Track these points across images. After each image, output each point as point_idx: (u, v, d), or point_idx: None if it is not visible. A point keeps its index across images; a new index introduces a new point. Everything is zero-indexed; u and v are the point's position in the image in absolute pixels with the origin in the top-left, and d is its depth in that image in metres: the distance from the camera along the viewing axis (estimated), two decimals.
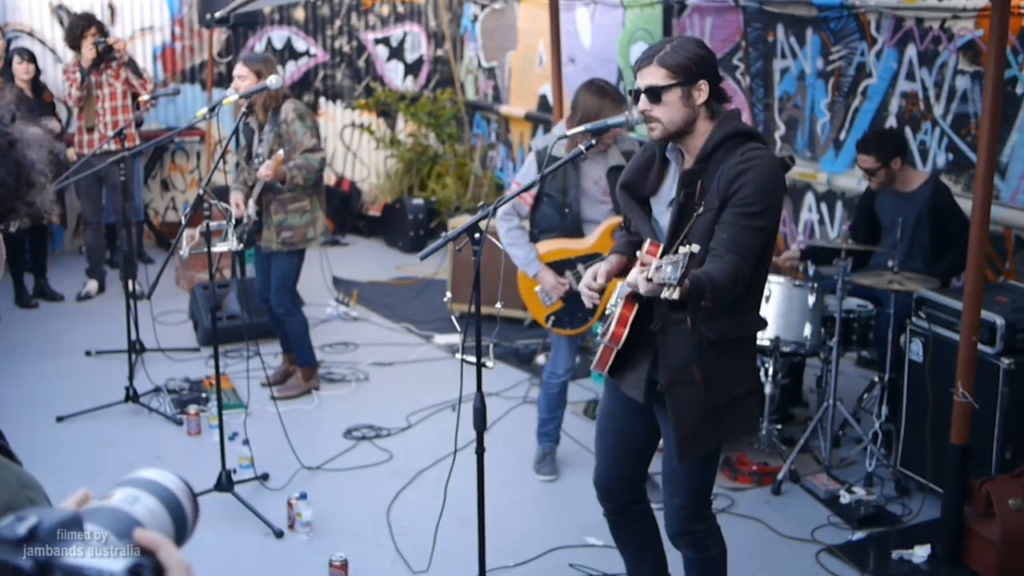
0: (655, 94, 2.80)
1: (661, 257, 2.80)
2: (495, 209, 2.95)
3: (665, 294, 2.45)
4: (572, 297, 4.39)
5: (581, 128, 3.07)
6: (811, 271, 4.86)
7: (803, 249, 5.37)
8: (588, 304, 3.03)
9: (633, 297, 2.90)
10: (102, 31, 6.88)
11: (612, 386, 3.15)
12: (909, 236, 4.89)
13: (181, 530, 1.10)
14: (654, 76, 2.80)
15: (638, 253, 2.91)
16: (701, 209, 2.79)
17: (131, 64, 7.02)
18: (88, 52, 6.75)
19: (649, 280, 2.48)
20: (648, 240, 2.90)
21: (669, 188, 2.97)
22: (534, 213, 4.44)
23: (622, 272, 3.08)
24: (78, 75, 6.79)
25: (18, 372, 5.97)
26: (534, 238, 4.46)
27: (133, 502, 1.06)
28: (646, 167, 3.00)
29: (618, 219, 4.14)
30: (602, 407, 3.25)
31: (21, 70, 7.05)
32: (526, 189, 3.38)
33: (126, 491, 1.08)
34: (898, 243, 4.67)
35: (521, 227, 4.43)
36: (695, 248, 2.44)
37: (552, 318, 4.50)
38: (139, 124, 8.11)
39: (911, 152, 5.74)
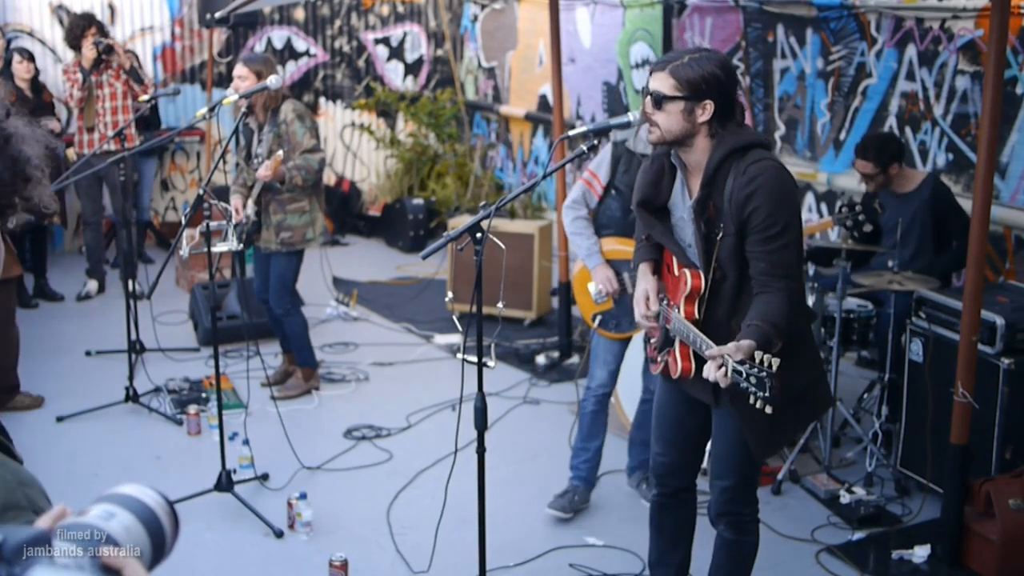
0: (658, 101, 2.82)
1: (706, 287, 2.89)
2: (497, 209, 2.95)
3: (757, 404, 2.52)
4: (624, 299, 4.20)
5: (582, 129, 3.06)
6: (811, 271, 4.86)
7: (807, 250, 5.32)
8: (648, 332, 3.14)
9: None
10: (102, 31, 6.87)
11: (666, 378, 3.19)
12: (911, 235, 4.89)
13: (159, 546, 1.09)
14: (663, 83, 2.82)
15: (675, 272, 3.00)
16: (721, 233, 2.82)
17: (132, 72, 6.95)
18: (89, 52, 6.74)
19: (726, 376, 2.56)
20: (687, 270, 2.93)
21: (681, 192, 2.99)
22: (599, 205, 4.26)
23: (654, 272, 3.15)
24: (79, 76, 6.77)
25: (18, 372, 5.96)
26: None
27: (108, 518, 1.05)
28: (657, 179, 3.02)
29: None
30: (657, 397, 3.31)
31: (22, 69, 7.04)
32: (520, 194, 3.34)
33: (102, 507, 1.06)
34: (897, 243, 4.67)
35: (587, 218, 4.25)
36: (776, 362, 2.48)
37: (599, 318, 4.31)
38: (158, 125, 8.10)
39: (909, 153, 5.75)
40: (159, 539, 1.08)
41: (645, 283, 3.09)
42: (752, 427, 2.96)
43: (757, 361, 2.50)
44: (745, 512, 3.20)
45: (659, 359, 3.10)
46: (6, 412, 5.64)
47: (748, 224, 2.77)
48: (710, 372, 2.62)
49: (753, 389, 2.50)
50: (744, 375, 2.51)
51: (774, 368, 2.47)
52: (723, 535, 3.24)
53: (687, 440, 3.26)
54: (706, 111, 2.81)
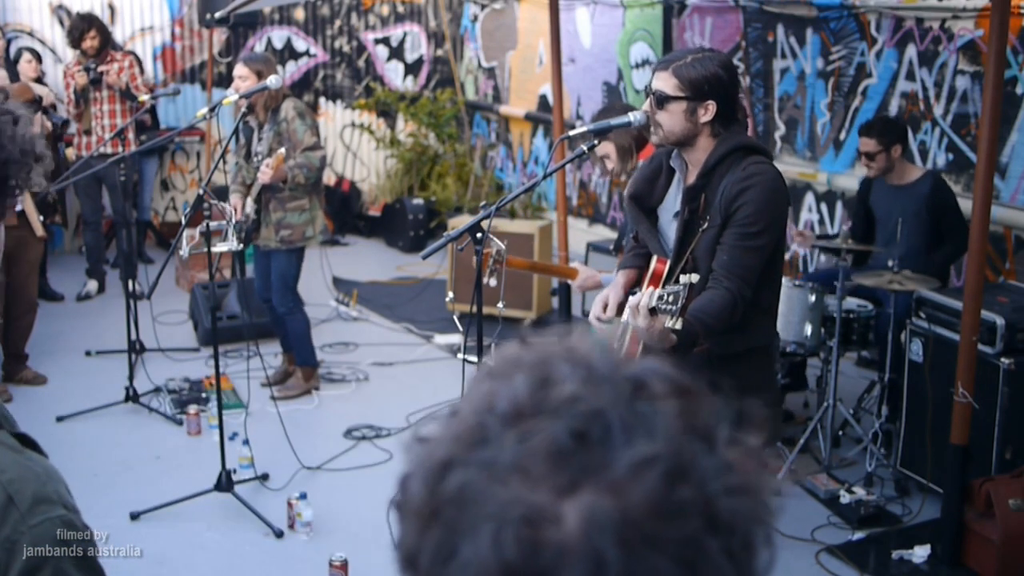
0: (660, 101, 2.82)
1: (668, 274, 2.86)
2: (497, 209, 2.96)
3: (668, 323, 2.48)
4: None
5: (583, 128, 3.07)
6: (811, 269, 4.86)
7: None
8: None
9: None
10: (103, 32, 6.84)
11: None
12: (905, 229, 4.89)
13: None
14: (665, 83, 2.82)
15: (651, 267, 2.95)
16: (706, 225, 2.81)
17: (127, 93, 6.87)
18: (80, 79, 6.73)
19: (651, 309, 2.52)
20: (655, 257, 2.93)
21: (674, 197, 2.98)
22: None
23: (634, 285, 3.10)
24: (74, 97, 6.78)
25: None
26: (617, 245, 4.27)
27: None
28: (653, 177, 3.02)
29: None
30: None
31: (30, 69, 7.08)
32: (521, 194, 3.36)
33: None
34: (894, 237, 4.67)
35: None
36: (694, 278, 2.46)
37: None
38: (156, 127, 8.08)
39: (910, 149, 5.75)
40: None
41: (612, 290, 3.06)
42: None
43: (681, 283, 2.49)
44: None
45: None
46: (13, 385, 5.67)
47: (732, 217, 2.76)
48: (632, 302, 2.60)
49: (667, 307, 2.47)
50: (664, 297, 2.49)
51: (692, 281, 2.45)
52: None
53: None
54: (708, 111, 2.80)
